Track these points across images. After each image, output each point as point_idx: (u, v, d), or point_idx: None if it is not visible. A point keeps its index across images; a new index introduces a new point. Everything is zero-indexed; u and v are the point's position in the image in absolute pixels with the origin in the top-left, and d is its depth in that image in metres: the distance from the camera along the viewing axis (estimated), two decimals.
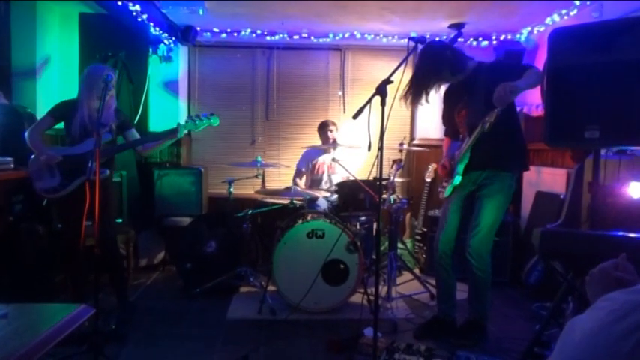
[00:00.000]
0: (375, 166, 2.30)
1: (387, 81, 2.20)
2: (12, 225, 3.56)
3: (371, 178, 4.21)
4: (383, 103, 2.18)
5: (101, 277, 3.26)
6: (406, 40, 4.91)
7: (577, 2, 3.78)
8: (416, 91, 2.73)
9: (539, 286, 3.72)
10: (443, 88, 2.98)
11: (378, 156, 2.30)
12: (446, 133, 3.19)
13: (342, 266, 3.37)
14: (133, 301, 3.51)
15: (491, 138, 2.65)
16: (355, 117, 2.18)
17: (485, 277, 2.86)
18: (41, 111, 4.23)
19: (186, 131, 3.07)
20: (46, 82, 4.34)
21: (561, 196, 3.85)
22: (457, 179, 2.90)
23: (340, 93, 5.24)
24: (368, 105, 2.19)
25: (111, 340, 2.83)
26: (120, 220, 4.02)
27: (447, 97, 3.03)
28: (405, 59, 2.41)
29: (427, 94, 2.75)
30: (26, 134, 3.09)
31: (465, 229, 2.94)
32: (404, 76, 2.49)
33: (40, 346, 0.96)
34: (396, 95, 2.55)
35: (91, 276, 2.98)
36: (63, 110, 3.11)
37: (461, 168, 2.89)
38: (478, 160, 2.82)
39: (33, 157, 3.12)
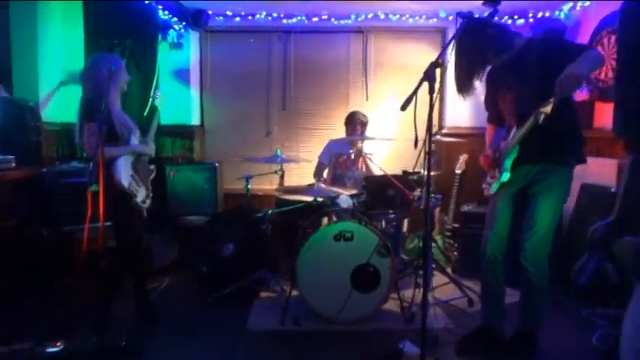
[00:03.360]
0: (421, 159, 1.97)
1: (436, 64, 1.86)
2: (15, 229, 3.31)
3: (400, 172, 3.89)
4: (431, 91, 1.85)
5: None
6: (435, 20, 4.59)
7: None
8: (461, 79, 2.38)
9: (591, 289, 3.38)
10: None
11: (423, 149, 1.98)
12: (489, 120, 2.83)
13: (372, 271, 3.06)
14: (153, 302, 3.22)
15: (543, 127, 2.29)
16: (403, 108, 1.85)
17: (541, 284, 2.52)
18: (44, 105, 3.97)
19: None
20: (49, 72, 4.05)
21: (612, 189, 3.48)
22: (505, 175, 2.55)
23: (363, 79, 4.88)
24: (415, 94, 1.84)
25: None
26: None
27: (491, 79, 2.66)
28: (453, 38, 2.09)
29: (474, 80, 2.39)
30: (101, 150, 2.50)
31: (516, 230, 2.61)
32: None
33: None
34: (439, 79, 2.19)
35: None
36: (97, 110, 2.58)
37: (509, 163, 2.53)
38: (528, 153, 2.47)
39: (119, 169, 2.70)
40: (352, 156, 4.18)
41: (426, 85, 1.94)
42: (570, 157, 2.47)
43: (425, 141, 2.03)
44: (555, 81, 2.09)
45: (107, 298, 2.84)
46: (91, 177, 2.15)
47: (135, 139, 2.97)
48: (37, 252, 3.40)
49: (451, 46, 2.14)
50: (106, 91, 2.58)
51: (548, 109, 2.10)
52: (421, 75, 1.96)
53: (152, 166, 3.14)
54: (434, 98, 1.89)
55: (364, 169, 4.20)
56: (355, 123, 4.10)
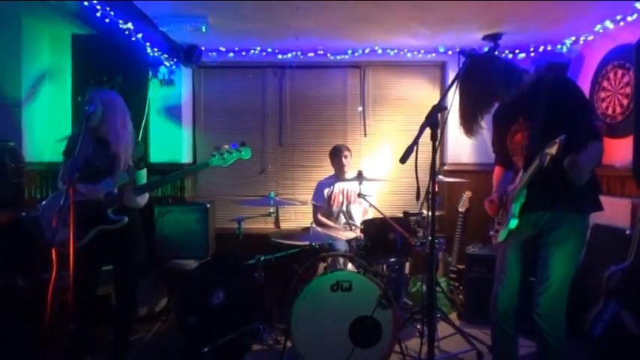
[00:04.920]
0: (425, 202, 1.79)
1: (440, 108, 1.68)
2: None
3: (400, 213, 3.70)
4: (434, 136, 1.67)
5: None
6: (434, 55, 4.48)
7: (639, 5, 3.24)
8: (468, 116, 2.20)
9: (607, 340, 3.13)
10: None
11: (425, 198, 1.79)
12: (497, 161, 2.64)
13: (372, 324, 2.82)
14: None
15: (555, 170, 2.10)
16: (403, 160, 1.66)
17: (558, 343, 2.28)
18: (27, 144, 3.81)
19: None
20: (34, 111, 3.90)
21: (627, 231, 3.27)
22: (513, 222, 2.34)
23: (360, 111, 4.72)
24: (416, 143, 1.66)
25: None
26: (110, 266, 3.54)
27: (498, 118, 2.50)
28: (456, 78, 1.91)
29: (482, 117, 2.22)
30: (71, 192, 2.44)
31: (529, 274, 2.40)
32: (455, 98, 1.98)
33: None
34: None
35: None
36: (72, 146, 2.62)
37: (516, 208, 2.33)
38: (538, 199, 2.26)
39: (45, 203, 2.67)
40: (345, 191, 4.03)
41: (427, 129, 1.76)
42: (583, 203, 2.28)
43: (428, 185, 1.85)
44: (564, 123, 1.92)
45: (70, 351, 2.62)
46: (52, 235, 1.92)
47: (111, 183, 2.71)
48: (13, 302, 3.16)
49: (454, 86, 1.96)
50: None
51: (553, 150, 1.91)
52: (420, 110, 1.80)
53: (122, 217, 2.69)
54: (436, 144, 1.71)
55: (361, 204, 4.03)
56: (339, 152, 4.01)
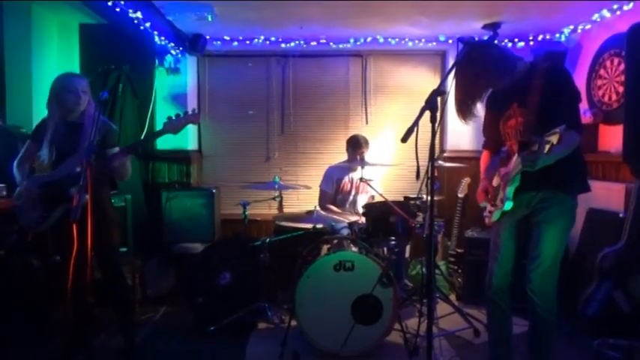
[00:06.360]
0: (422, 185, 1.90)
1: (439, 92, 1.78)
2: (3, 259, 3.21)
3: (401, 198, 3.81)
4: (433, 119, 1.77)
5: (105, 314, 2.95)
6: (434, 44, 4.56)
7: None
8: (463, 102, 2.29)
9: (600, 319, 3.25)
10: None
11: (424, 181, 1.90)
12: (485, 145, 2.72)
13: (374, 302, 2.94)
14: (139, 343, 3.10)
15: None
16: (404, 140, 1.76)
17: (550, 318, 2.40)
18: None
19: None
20: (44, 98, 3.99)
21: (620, 215, 3.38)
22: (508, 205, 2.43)
23: (362, 102, 4.82)
24: (416, 124, 1.76)
25: None
26: (124, 249, 3.66)
27: (492, 103, 2.58)
28: (455, 64, 2.00)
29: (475, 104, 2.32)
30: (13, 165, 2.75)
31: (523, 255, 2.51)
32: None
33: None
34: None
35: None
36: (40, 131, 2.78)
37: (511, 192, 2.42)
38: (530, 180, 2.36)
39: (18, 189, 2.77)
40: (354, 180, 4.11)
41: (426, 112, 1.86)
42: (573, 185, 2.38)
43: (427, 168, 1.95)
44: (554, 110, 2.03)
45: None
46: (75, 212, 2.03)
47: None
48: (28, 282, 3.29)
49: (452, 72, 2.06)
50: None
51: (554, 139, 2.00)
52: (421, 98, 1.89)
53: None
54: (436, 127, 1.81)
55: (367, 193, 4.12)
56: (357, 146, 4.01)
